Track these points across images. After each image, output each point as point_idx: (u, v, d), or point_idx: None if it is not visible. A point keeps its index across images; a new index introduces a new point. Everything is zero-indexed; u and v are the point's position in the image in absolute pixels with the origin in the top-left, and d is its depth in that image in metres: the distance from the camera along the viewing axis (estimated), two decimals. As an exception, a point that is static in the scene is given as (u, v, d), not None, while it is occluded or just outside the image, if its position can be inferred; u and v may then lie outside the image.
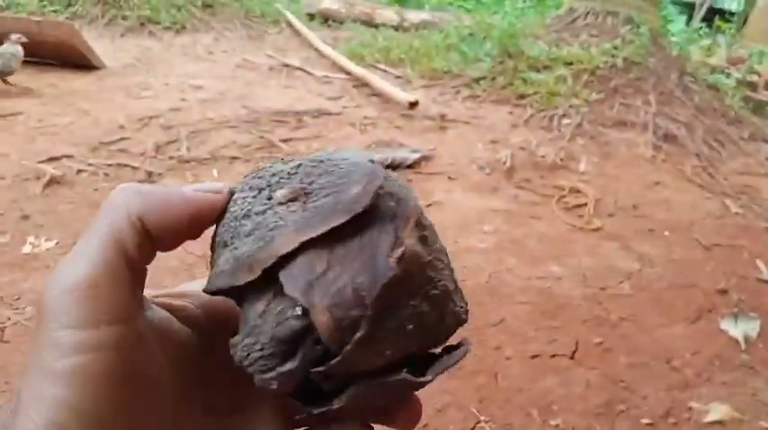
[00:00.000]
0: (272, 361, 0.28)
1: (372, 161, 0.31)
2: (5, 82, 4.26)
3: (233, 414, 0.33)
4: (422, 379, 0.29)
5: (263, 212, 0.30)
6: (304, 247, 0.28)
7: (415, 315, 0.29)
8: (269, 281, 0.28)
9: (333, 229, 0.27)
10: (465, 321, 0.33)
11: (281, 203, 0.30)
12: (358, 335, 0.27)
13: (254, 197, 0.32)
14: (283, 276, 0.28)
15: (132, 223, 0.28)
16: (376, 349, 0.28)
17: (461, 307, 0.33)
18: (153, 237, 0.29)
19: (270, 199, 0.31)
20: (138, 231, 0.29)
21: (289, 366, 0.28)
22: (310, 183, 0.30)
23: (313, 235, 0.27)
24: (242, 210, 0.31)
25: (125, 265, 0.28)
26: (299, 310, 0.27)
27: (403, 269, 0.28)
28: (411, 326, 0.28)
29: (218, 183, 0.33)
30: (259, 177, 0.33)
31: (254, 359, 0.28)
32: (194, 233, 0.32)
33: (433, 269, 0.31)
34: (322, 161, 0.31)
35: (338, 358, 0.27)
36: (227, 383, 0.33)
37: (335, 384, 0.29)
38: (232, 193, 0.33)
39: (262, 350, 0.28)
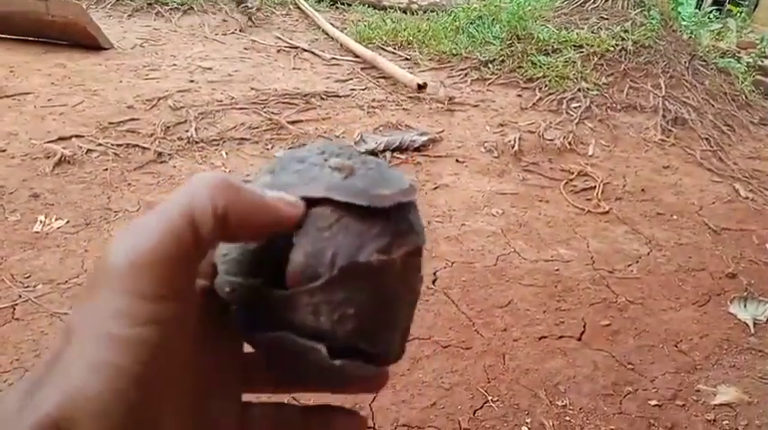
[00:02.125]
0: (239, 267, 0.32)
1: (413, 185, 0.33)
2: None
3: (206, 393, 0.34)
4: (332, 361, 0.31)
5: (314, 165, 0.33)
6: (325, 202, 0.31)
7: (361, 308, 0.31)
8: None
9: (352, 205, 0.30)
10: (393, 360, 0.35)
11: (330, 167, 0.32)
12: (311, 284, 0.30)
13: (313, 153, 0.34)
14: None
15: (215, 210, 0.28)
16: (316, 307, 0.30)
17: (398, 345, 0.35)
18: (226, 230, 0.30)
19: (325, 160, 0.33)
20: (218, 220, 0.29)
21: (248, 281, 0.32)
22: (359, 168, 0.33)
23: (336, 198, 0.31)
24: (298, 155, 0.34)
25: (196, 246, 0.28)
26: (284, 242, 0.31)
27: (374, 270, 0.30)
28: (351, 311, 0.31)
29: (293, 197, 0.32)
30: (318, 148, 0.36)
31: (228, 259, 0.33)
32: (261, 238, 0.32)
33: (398, 295, 0.33)
34: (379, 163, 0.34)
35: (286, 292, 0.31)
36: (207, 364, 0.34)
37: (269, 324, 0.32)
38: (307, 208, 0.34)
39: (240, 256, 0.32)
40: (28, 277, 2.27)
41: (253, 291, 0.32)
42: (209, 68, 4.90)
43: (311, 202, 0.31)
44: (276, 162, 0.35)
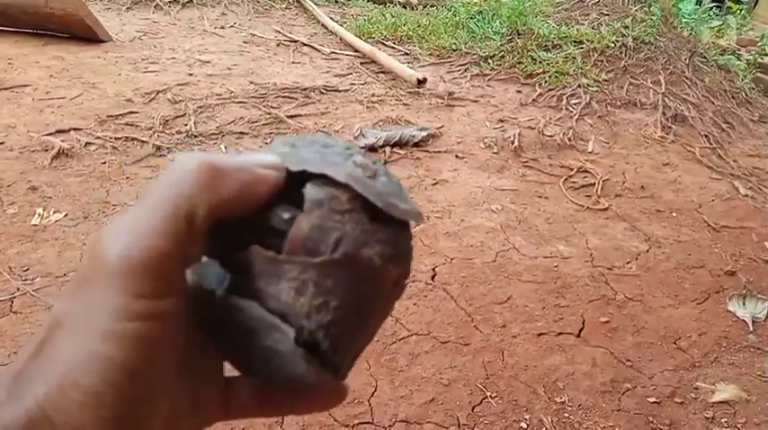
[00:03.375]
0: (243, 226, 0.31)
1: (421, 213, 0.33)
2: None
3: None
4: (296, 346, 0.30)
5: (338, 154, 0.32)
6: (342, 188, 0.30)
7: (343, 304, 0.30)
8: (296, 185, 0.31)
9: (367, 202, 0.30)
10: (339, 379, 0.33)
11: (354, 162, 0.32)
12: (309, 258, 0.29)
13: (339, 146, 0.34)
14: (312, 184, 0.31)
15: (206, 200, 0.28)
16: (303, 284, 0.29)
17: (348, 364, 0.33)
18: (218, 215, 0.29)
19: (350, 155, 0.33)
20: (210, 208, 0.28)
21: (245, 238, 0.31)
22: (381, 175, 0.32)
23: (356, 188, 0.30)
24: (323, 140, 0.34)
25: (190, 239, 0.28)
26: (288, 215, 0.31)
27: (372, 270, 0.30)
28: (334, 303, 0.30)
29: (275, 159, 0.32)
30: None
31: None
32: (251, 210, 0.31)
33: (376, 309, 0.33)
34: (399, 182, 0.34)
35: (279, 256, 0.30)
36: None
37: (238, 290, 0.31)
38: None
39: (242, 218, 0.31)
40: (26, 270, 2.26)
41: (238, 239, 0.31)
42: (208, 62, 4.89)
43: (331, 181, 0.30)
44: (298, 139, 0.34)
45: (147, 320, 0.26)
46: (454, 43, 5.70)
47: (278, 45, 5.68)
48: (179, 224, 0.27)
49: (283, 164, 0.31)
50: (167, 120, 3.61)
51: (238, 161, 0.30)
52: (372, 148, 3.49)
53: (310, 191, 0.30)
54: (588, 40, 5.26)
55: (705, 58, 5.39)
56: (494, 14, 6.12)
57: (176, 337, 0.28)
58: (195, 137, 3.44)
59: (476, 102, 4.52)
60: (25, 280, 2.21)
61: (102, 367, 0.25)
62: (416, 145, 3.64)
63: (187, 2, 6.87)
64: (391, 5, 7.64)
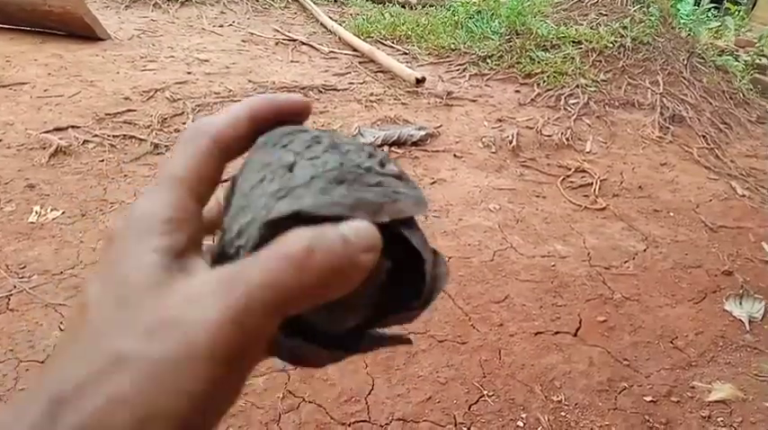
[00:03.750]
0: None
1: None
2: None
3: None
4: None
5: (364, 160, 0.30)
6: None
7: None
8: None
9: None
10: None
11: (382, 167, 0.30)
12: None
13: (366, 152, 0.32)
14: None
15: (215, 159, 0.30)
16: None
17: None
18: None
19: (382, 165, 0.31)
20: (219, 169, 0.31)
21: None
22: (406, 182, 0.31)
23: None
24: (323, 140, 0.32)
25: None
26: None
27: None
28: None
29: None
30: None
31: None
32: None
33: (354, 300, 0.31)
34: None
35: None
36: None
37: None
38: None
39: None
40: (23, 267, 2.26)
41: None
42: (207, 60, 4.88)
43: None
44: (293, 140, 0.32)
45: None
46: (453, 43, 5.70)
47: (276, 44, 5.68)
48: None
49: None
50: (165, 119, 3.61)
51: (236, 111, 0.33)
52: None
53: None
54: (587, 41, 5.27)
55: (703, 58, 5.40)
56: (492, 14, 6.12)
57: None
58: (193, 135, 3.43)
59: (474, 101, 4.52)
60: (22, 277, 2.21)
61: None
62: (415, 144, 3.64)
63: (186, 0, 6.87)
64: (390, 5, 7.64)
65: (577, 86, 4.71)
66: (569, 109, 4.43)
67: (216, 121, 0.32)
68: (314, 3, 7.29)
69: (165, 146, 3.29)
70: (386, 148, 3.53)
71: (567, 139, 3.91)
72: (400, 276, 0.32)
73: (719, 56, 5.80)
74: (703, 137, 4.22)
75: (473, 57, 5.40)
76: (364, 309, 0.31)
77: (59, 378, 0.23)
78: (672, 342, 2.22)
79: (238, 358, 0.24)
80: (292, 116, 0.34)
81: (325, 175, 0.28)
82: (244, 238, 0.27)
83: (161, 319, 0.23)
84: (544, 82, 4.83)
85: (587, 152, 3.82)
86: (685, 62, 5.16)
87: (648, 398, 1.95)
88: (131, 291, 0.25)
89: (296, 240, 0.25)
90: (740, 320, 2.37)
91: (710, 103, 4.72)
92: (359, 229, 0.26)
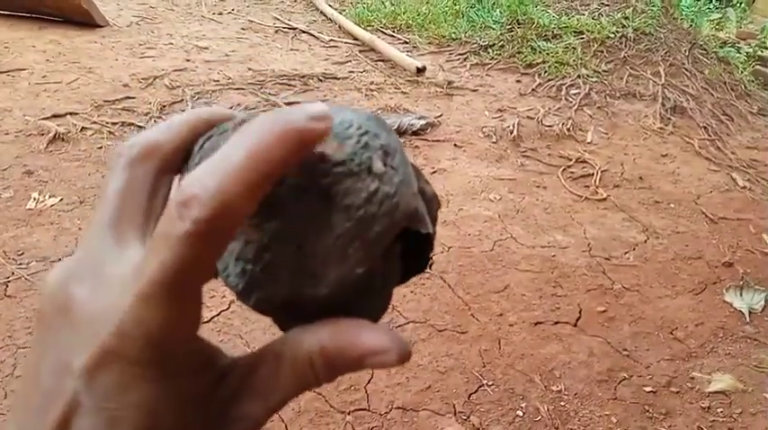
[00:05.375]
0: None
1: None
2: None
3: None
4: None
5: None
6: None
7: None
8: None
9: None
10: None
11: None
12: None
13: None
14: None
15: None
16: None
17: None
18: None
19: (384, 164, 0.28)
20: None
21: None
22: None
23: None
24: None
25: None
26: None
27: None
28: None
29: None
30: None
31: None
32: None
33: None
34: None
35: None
36: None
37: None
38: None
39: None
40: (21, 254, 2.25)
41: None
42: (206, 48, 4.85)
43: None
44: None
45: None
46: (454, 32, 5.67)
47: (276, 32, 5.65)
48: None
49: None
50: (164, 106, 3.59)
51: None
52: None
53: None
54: (588, 31, 5.24)
55: (705, 50, 5.38)
56: (494, 4, 6.08)
57: None
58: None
59: (475, 91, 4.50)
60: (20, 264, 2.20)
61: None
62: (415, 133, 3.63)
63: (185, -13, 6.82)
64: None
65: (579, 77, 4.69)
66: (570, 99, 4.41)
67: (161, 140, 0.29)
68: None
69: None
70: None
71: (568, 130, 3.90)
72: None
73: (721, 47, 5.78)
74: (704, 128, 4.21)
75: (474, 46, 5.37)
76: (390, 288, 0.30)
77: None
78: (672, 333, 2.22)
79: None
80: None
81: (338, 244, 0.27)
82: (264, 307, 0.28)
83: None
84: (545, 72, 4.80)
85: (588, 143, 3.80)
86: (687, 53, 5.14)
87: (648, 389, 1.95)
88: None
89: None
90: (740, 311, 2.36)
91: (712, 95, 4.71)
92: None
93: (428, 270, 0.33)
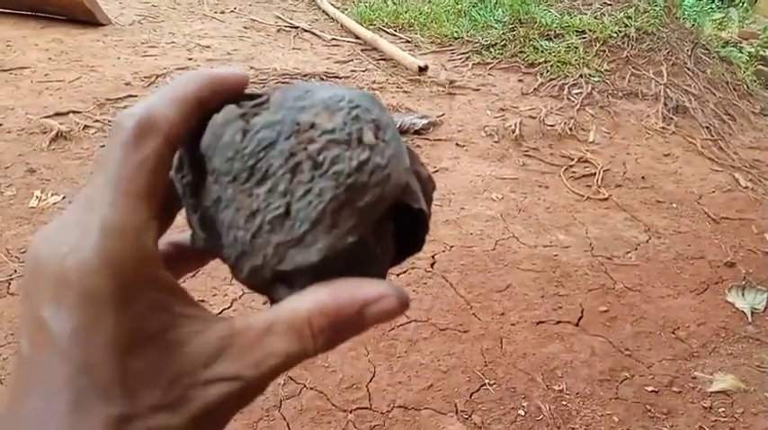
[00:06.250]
0: None
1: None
2: None
3: None
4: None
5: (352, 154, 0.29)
6: None
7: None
8: None
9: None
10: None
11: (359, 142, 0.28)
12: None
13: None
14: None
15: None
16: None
17: None
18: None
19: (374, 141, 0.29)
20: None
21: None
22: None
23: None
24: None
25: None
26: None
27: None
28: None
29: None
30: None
31: None
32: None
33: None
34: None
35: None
36: None
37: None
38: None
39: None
40: (23, 252, 2.25)
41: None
42: (208, 47, 4.85)
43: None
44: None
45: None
46: (456, 31, 5.67)
47: (278, 31, 5.65)
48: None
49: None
50: (167, 105, 3.58)
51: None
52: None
53: None
54: (591, 30, 5.23)
55: (707, 49, 5.37)
56: (496, 3, 6.08)
57: None
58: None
59: (477, 90, 4.50)
60: (23, 262, 2.20)
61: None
62: (417, 132, 3.63)
63: (187, -14, 6.82)
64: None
65: (581, 76, 4.68)
66: (572, 99, 4.41)
67: (167, 114, 0.28)
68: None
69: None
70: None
71: (570, 129, 3.90)
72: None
73: (723, 47, 5.77)
74: (707, 128, 4.20)
75: (476, 45, 5.37)
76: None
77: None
78: (674, 332, 2.22)
79: None
80: (234, 92, 0.33)
81: (328, 210, 0.27)
82: (256, 280, 0.28)
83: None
84: (547, 71, 4.80)
85: (590, 142, 3.80)
86: (689, 53, 5.13)
87: (650, 388, 1.95)
88: None
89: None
90: (742, 312, 2.36)
91: (714, 95, 4.70)
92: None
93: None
